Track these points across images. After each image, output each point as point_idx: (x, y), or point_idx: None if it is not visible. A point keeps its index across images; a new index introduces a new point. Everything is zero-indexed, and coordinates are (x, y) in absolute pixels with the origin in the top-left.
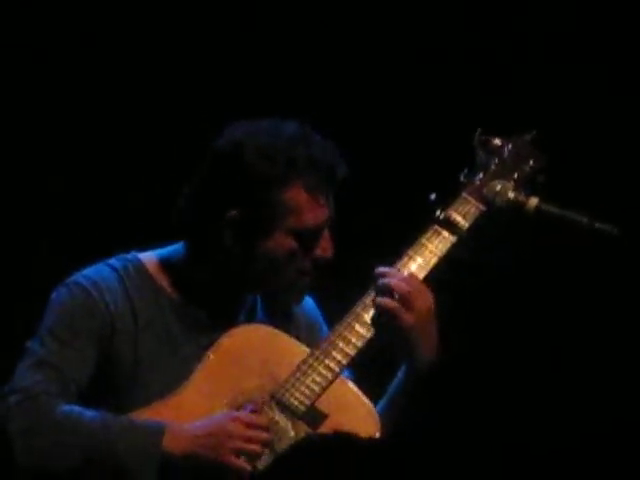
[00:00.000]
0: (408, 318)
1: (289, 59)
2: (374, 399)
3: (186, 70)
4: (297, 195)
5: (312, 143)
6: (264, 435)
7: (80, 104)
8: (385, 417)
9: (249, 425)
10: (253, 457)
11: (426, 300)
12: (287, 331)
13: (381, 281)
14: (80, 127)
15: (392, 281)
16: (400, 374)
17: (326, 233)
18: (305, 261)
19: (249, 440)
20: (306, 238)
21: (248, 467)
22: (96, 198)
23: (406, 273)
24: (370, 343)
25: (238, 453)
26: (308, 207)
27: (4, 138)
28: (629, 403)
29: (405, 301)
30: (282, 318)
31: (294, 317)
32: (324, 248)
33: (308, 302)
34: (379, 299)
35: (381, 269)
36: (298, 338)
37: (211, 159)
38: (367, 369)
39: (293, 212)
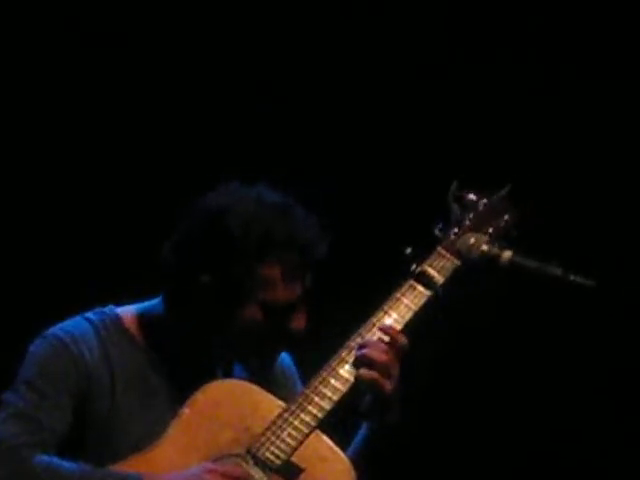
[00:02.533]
0: (388, 385)
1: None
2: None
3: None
4: (272, 271)
5: (294, 220)
6: None
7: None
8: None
9: (226, 477)
10: None
11: (398, 365)
12: (264, 385)
13: (361, 352)
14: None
15: (373, 353)
16: (364, 432)
17: (300, 307)
18: (277, 335)
19: None
20: (278, 312)
21: None
22: (73, 249)
23: (381, 334)
24: (346, 397)
25: None
26: (282, 284)
27: None
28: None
29: (385, 371)
30: (259, 372)
31: (271, 371)
32: (298, 323)
33: (285, 358)
34: (361, 371)
35: (362, 340)
36: (275, 392)
37: (194, 218)
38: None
39: (267, 287)
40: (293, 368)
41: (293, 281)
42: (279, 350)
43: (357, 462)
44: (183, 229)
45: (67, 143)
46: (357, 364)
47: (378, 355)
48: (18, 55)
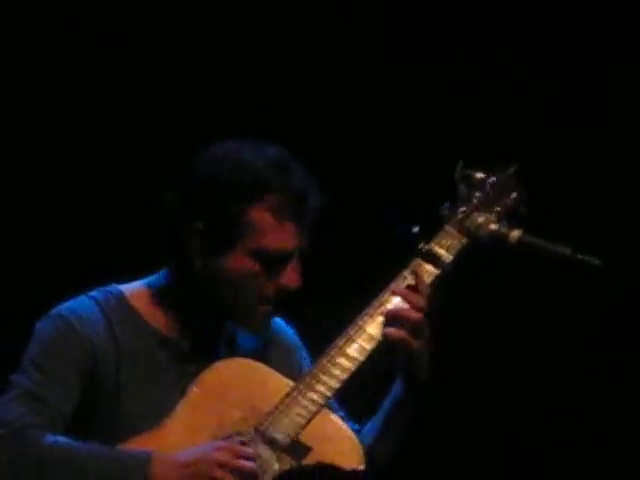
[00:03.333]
0: (418, 345)
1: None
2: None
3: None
4: (263, 217)
5: (288, 169)
6: (250, 465)
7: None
8: (379, 439)
9: (235, 455)
10: None
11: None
12: (267, 358)
13: (392, 310)
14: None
15: (402, 311)
16: (395, 395)
17: (294, 263)
18: (267, 288)
19: (235, 470)
20: (268, 262)
21: None
22: (76, 230)
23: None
24: (354, 375)
25: None
26: (272, 230)
27: None
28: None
29: (417, 330)
30: (262, 346)
31: (274, 345)
32: (290, 278)
33: (287, 330)
34: (388, 330)
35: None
36: (278, 365)
37: (190, 171)
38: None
39: (256, 232)
40: (296, 338)
41: (285, 230)
42: (267, 310)
43: (385, 430)
44: (181, 180)
45: (65, 129)
46: (388, 319)
47: (408, 313)
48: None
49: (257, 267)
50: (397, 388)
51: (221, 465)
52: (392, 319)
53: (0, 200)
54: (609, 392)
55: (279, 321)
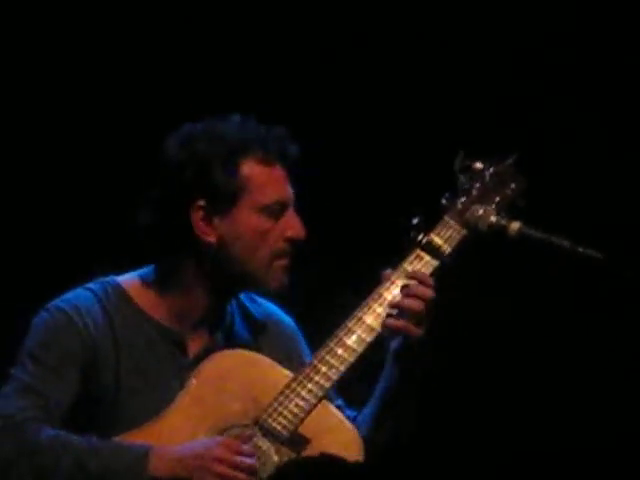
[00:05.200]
0: (419, 331)
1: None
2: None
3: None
4: (252, 168)
5: (259, 126)
6: (250, 462)
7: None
8: (374, 427)
9: (235, 451)
10: None
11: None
12: (264, 346)
13: (395, 300)
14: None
15: (406, 301)
16: (388, 381)
17: (292, 212)
18: (278, 242)
19: (235, 466)
20: (272, 214)
21: None
22: (73, 223)
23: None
24: (353, 367)
25: (223, 478)
26: (266, 181)
27: None
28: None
29: (418, 318)
30: (259, 333)
31: (271, 333)
32: (294, 227)
33: (285, 318)
34: (389, 320)
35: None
36: (276, 353)
37: (164, 156)
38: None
39: (253, 188)
40: (295, 327)
41: (276, 177)
42: (283, 263)
43: (381, 417)
44: (158, 176)
45: (62, 120)
46: (389, 313)
47: (410, 303)
48: None
49: (264, 222)
50: (390, 375)
51: (221, 461)
52: (394, 309)
53: None
54: (614, 384)
55: (276, 309)
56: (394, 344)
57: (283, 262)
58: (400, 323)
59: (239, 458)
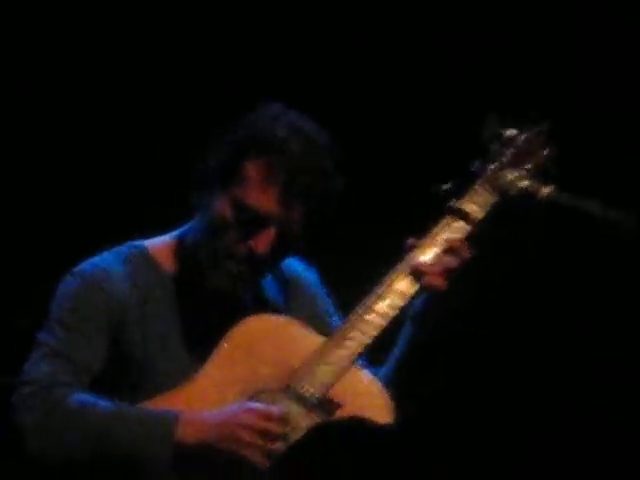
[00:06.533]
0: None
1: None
2: None
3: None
4: (253, 171)
5: (304, 143)
6: (278, 428)
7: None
8: (395, 378)
9: (264, 417)
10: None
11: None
12: (292, 304)
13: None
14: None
15: (443, 260)
16: (409, 337)
17: (270, 232)
18: (237, 246)
19: (263, 432)
20: (243, 218)
21: (261, 459)
22: (102, 190)
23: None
24: (384, 332)
25: (251, 445)
26: (256, 187)
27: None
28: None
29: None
30: (287, 292)
31: (298, 291)
32: (259, 243)
33: (309, 274)
34: (426, 279)
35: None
36: (303, 311)
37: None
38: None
39: (243, 184)
40: (319, 285)
41: (268, 193)
42: (232, 267)
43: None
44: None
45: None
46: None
47: (449, 261)
48: None
49: (232, 217)
50: (411, 331)
51: (249, 427)
52: (431, 267)
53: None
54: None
55: (300, 264)
56: (418, 304)
57: (233, 267)
58: (437, 280)
59: (266, 424)
